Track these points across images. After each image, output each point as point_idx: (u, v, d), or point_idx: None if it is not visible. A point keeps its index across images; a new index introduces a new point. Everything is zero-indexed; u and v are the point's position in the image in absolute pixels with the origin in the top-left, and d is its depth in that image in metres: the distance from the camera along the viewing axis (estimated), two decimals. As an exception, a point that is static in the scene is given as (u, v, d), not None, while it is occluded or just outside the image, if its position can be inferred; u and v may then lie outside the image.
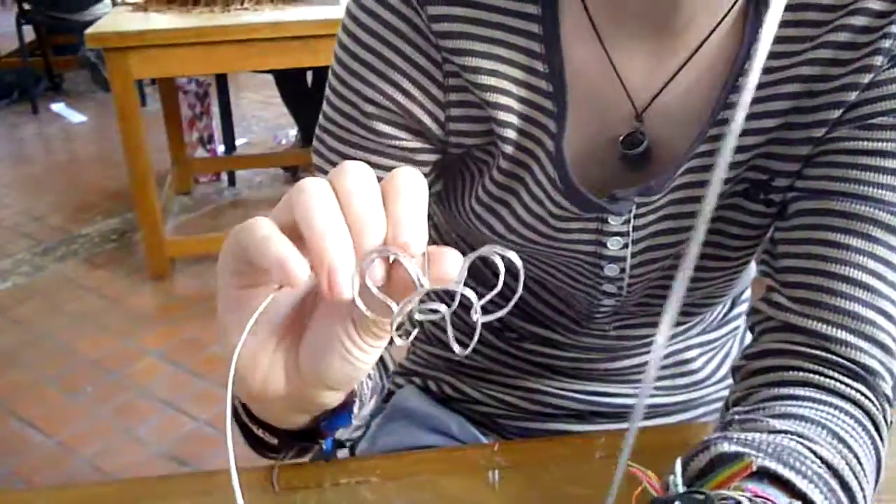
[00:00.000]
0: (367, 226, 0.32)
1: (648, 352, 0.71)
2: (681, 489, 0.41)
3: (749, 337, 0.80)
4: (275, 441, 0.48)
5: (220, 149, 3.30)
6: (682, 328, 0.71)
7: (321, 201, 0.32)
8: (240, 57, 2.26)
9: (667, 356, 0.73)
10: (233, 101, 3.24)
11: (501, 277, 0.33)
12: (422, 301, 0.33)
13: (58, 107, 4.15)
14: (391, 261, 0.33)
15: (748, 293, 0.80)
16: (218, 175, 3.21)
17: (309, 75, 3.15)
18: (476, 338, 0.35)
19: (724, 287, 0.64)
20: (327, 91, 0.58)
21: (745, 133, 0.54)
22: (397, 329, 0.34)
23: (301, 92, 3.15)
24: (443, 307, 0.33)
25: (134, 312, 2.34)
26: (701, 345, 0.74)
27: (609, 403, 0.72)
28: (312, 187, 0.33)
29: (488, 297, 0.33)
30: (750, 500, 0.40)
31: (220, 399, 1.93)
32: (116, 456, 1.78)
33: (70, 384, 2.02)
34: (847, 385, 0.50)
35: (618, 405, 0.72)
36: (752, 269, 0.73)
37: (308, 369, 0.38)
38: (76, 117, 4.04)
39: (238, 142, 3.42)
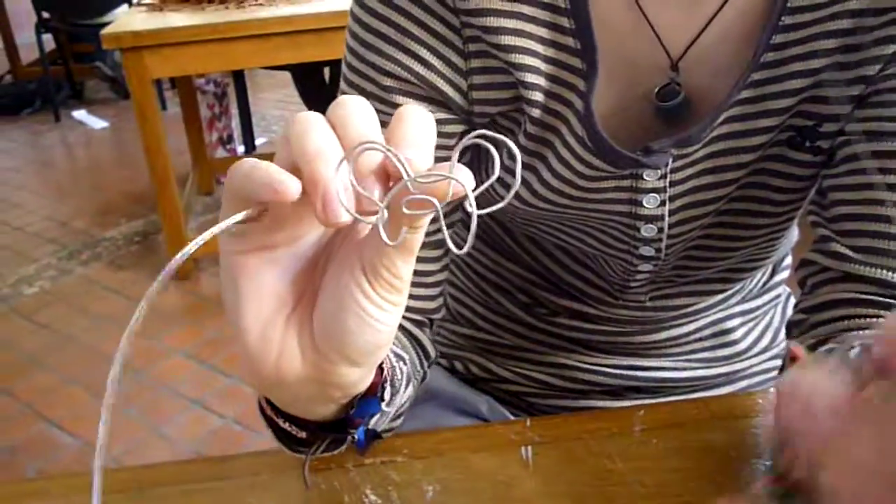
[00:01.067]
0: (358, 140, 0.31)
1: (686, 323, 0.67)
2: None
3: (793, 304, 0.76)
4: (303, 434, 0.44)
5: (241, 149, 3.30)
6: (721, 296, 0.67)
7: (312, 127, 0.31)
8: (254, 52, 2.24)
9: (707, 326, 0.68)
10: (251, 102, 3.24)
11: (497, 163, 0.31)
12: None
13: (79, 114, 4.18)
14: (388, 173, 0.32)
15: (789, 260, 0.75)
16: (239, 175, 3.20)
17: (326, 72, 3.14)
18: (472, 233, 0.32)
19: (767, 247, 0.60)
20: (343, 68, 0.55)
21: (790, 76, 0.50)
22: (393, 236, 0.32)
23: (318, 88, 3.13)
24: (434, 200, 0.31)
25: (159, 312, 2.33)
26: (742, 313, 0.70)
27: (645, 377, 0.68)
28: (304, 116, 0.31)
29: (484, 185, 0.31)
30: None
31: (246, 396, 1.92)
32: (144, 454, 1.76)
33: (96, 385, 2.02)
34: None
35: (655, 379, 0.68)
36: (795, 232, 0.69)
37: (324, 339, 0.35)
38: (98, 124, 4.06)
39: (258, 141, 3.41)
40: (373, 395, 0.42)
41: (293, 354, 0.35)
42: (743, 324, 0.70)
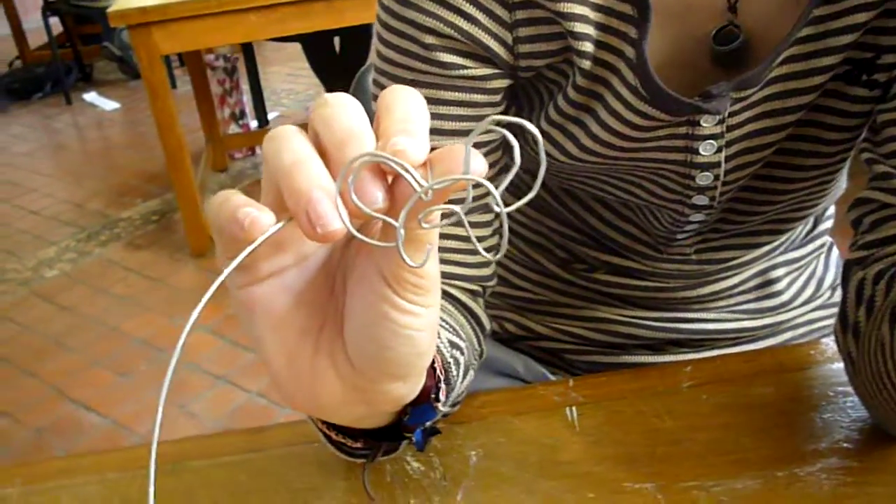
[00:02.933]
0: (346, 145, 0.27)
1: (732, 276, 0.64)
2: None
3: (836, 254, 0.73)
4: (358, 444, 0.42)
5: (253, 123, 3.27)
6: (768, 247, 0.64)
7: (285, 141, 0.27)
8: (263, 24, 2.21)
9: (752, 277, 0.66)
10: (262, 76, 3.20)
11: (516, 150, 0.26)
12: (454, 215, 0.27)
13: (90, 96, 4.16)
14: (389, 181, 0.27)
15: (832, 209, 0.72)
16: (253, 150, 3.18)
17: (336, 42, 3.09)
18: (505, 235, 0.28)
19: (817, 192, 0.57)
20: (378, 29, 0.52)
21: (853, 9, 0.47)
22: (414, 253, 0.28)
23: (329, 59, 3.09)
24: (455, 207, 0.27)
25: (179, 290, 2.32)
26: (787, 263, 0.67)
27: (688, 330, 0.66)
28: (275, 133, 0.28)
29: (507, 180, 0.26)
30: None
31: (270, 370, 1.91)
32: (172, 431, 1.77)
33: (121, 365, 2.02)
34: None
35: (698, 331, 0.66)
36: (844, 180, 0.65)
37: (360, 359, 0.32)
38: (109, 105, 4.04)
39: (270, 115, 3.38)
40: (426, 400, 0.40)
41: (330, 380, 0.33)
42: (787, 274, 0.67)
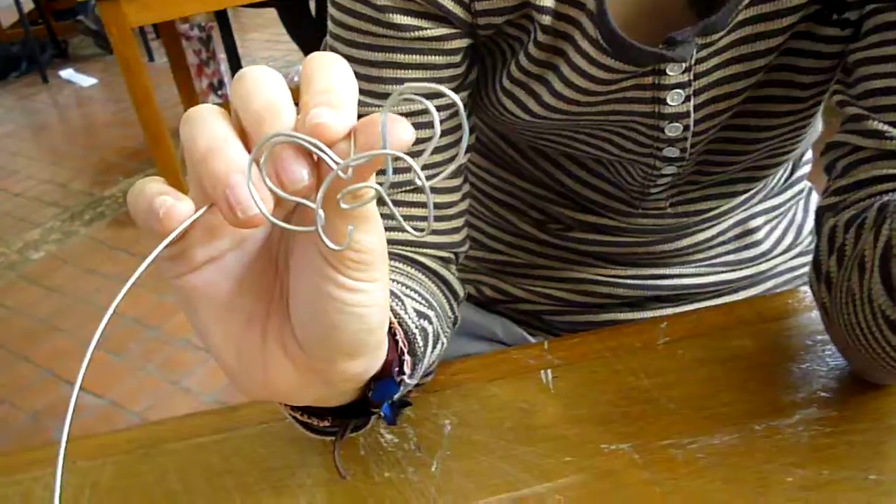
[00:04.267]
0: (264, 121, 0.25)
1: (709, 227, 0.63)
2: None
3: (815, 199, 0.72)
4: (326, 423, 0.40)
5: (233, 93, 3.23)
6: (745, 196, 0.63)
7: (200, 123, 0.26)
8: (235, -11, 2.16)
9: (730, 228, 0.64)
10: (239, 44, 3.14)
11: (436, 120, 0.24)
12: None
13: (67, 73, 4.09)
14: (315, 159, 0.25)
15: (809, 154, 0.71)
16: (234, 120, 3.14)
17: (311, 4, 3.03)
18: (431, 209, 0.27)
19: (792, 138, 0.56)
20: None
21: None
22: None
23: (305, 22, 3.04)
24: (373, 185, 0.25)
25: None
26: (765, 211, 0.66)
27: (667, 286, 0.65)
28: (191, 114, 0.26)
29: (426, 153, 0.25)
30: None
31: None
32: (167, 408, 1.77)
33: (114, 344, 2.01)
34: None
35: (677, 287, 0.65)
36: (819, 124, 0.64)
37: (309, 342, 0.31)
38: (86, 81, 3.98)
39: (250, 84, 3.33)
40: (388, 375, 0.39)
41: (283, 365, 0.32)
42: (766, 222, 0.66)
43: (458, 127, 0.52)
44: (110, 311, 0.25)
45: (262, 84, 0.26)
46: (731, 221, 0.64)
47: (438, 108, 0.51)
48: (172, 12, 2.40)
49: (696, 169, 0.58)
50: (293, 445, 0.50)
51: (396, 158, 0.23)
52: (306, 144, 0.24)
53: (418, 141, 0.24)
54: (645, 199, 0.60)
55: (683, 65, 0.48)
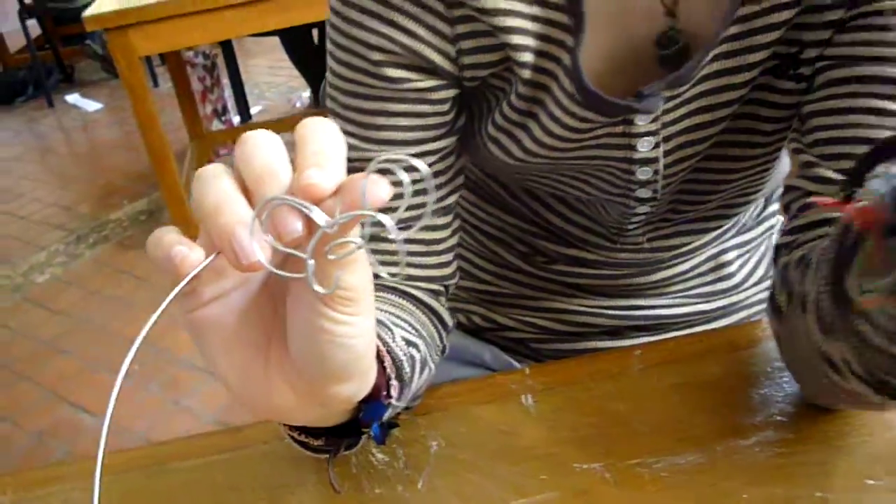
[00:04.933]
0: (263, 181, 0.30)
1: (684, 261, 0.68)
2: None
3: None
4: (320, 442, 0.45)
5: (236, 119, 3.28)
6: (718, 232, 0.67)
7: (209, 182, 0.31)
8: (241, 20, 2.21)
9: (704, 262, 0.69)
10: (242, 70, 3.22)
11: (406, 184, 0.29)
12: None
13: (73, 97, 4.16)
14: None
15: (780, 191, 0.75)
16: (237, 145, 3.19)
17: (314, 33, 3.10)
18: (403, 260, 0.32)
19: (759, 178, 0.60)
20: (329, 47, 0.55)
21: (775, 8, 0.49)
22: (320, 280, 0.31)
23: (308, 50, 3.10)
24: (357, 239, 0.30)
25: (169, 288, 2.35)
26: (737, 246, 0.70)
27: (645, 316, 0.69)
28: (201, 173, 0.31)
29: (400, 211, 0.29)
30: None
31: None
32: (169, 429, 1.80)
33: (116, 365, 2.01)
34: None
35: (654, 317, 0.69)
36: (786, 162, 0.68)
37: (304, 369, 0.35)
38: (92, 106, 4.05)
39: (253, 110, 3.40)
40: (377, 398, 0.43)
41: (283, 389, 0.36)
42: (738, 256, 0.70)
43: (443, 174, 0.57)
44: (136, 345, 0.30)
45: (261, 148, 0.31)
46: (704, 256, 0.69)
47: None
48: (179, 42, 2.46)
49: (670, 208, 0.62)
50: (291, 465, 0.54)
51: (375, 221, 0.28)
52: (298, 206, 0.29)
53: (395, 196, 0.30)
54: (623, 235, 0.64)
55: (651, 115, 0.53)
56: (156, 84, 4.09)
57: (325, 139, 0.30)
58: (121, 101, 3.94)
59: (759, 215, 0.72)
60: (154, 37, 2.16)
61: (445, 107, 0.55)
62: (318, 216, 0.29)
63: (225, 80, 3.19)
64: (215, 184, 0.31)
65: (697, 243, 0.67)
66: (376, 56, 0.52)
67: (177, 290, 0.30)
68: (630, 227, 0.63)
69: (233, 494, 0.52)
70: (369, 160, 0.53)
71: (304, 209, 0.29)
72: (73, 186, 3.18)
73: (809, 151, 0.51)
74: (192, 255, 0.30)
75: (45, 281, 2.51)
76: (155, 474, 0.55)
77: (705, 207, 0.63)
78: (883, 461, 0.48)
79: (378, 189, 0.29)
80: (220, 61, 3.13)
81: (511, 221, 0.69)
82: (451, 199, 0.58)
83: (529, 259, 0.70)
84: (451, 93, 0.54)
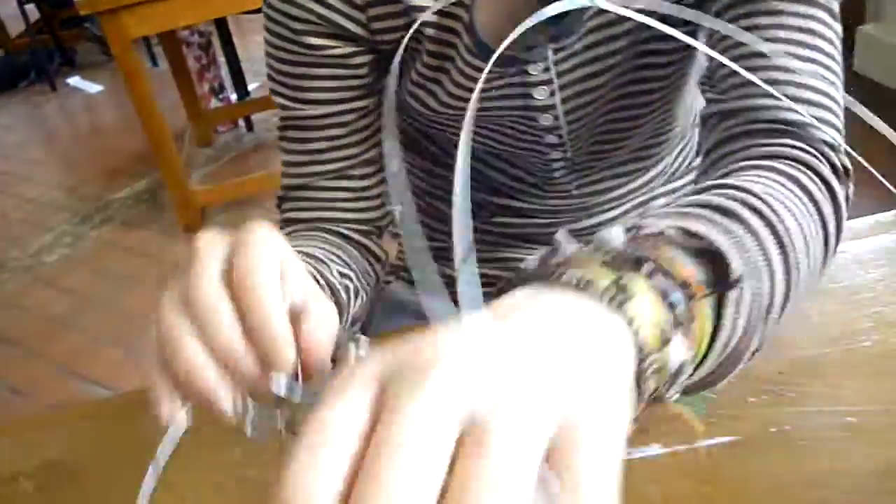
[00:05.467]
0: (254, 310, 0.35)
1: (613, 208, 0.73)
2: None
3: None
4: None
5: (234, 96, 3.32)
6: (645, 178, 0.72)
7: (180, 348, 0.35)
8: (231, -1, 2.25)
9: (633, 209, 0.74)
10: (239, 46, 3.24)
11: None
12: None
13: (74, 80, 4.21)
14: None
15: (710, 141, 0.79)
16: (235, 122, 3.24)
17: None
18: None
19: (667, 117, 0.66)
20: (263, 20, 0.62)
21: None
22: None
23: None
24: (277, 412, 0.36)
25: (174, 265, 2.41)
26: (666, 194, 0.75)
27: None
28: (166, 329, 0.36)
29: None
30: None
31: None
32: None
33: (126, 341, 2.12)
34: (769, 145, 0.48)
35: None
36: (700, 101, 0.72)
37: None
38: (93, 88, 4.10)
39: (251, 86, 3.42)
40: None
41: None
42: (667, 204, 0.75)
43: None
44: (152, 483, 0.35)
45: (259, 267, 0.36)
46: (634, 202, 0.74)
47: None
48: (171, 23, 2.50)
49: (588, 152, 0.67)
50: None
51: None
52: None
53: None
54: (551, 183, 0.70)
55: (543, 64, 0.58)
56: (155, 64, 4.12)
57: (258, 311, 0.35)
58: (121, 82, 3.94)
59: (689, 165, 0.77)
60: (147, 18, 2.20)
61: (363, 70, 0.61)
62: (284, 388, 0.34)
63: (221, 58, 3.22)
64: (185, 350, 0.35)
65: (625, 189, 0.72)
66: (297, 25, 0.58)
67: (166, 457, 0.37)
68: (556, 174, 0.68)
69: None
70: (300, 117, 0.59)
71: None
72: (76, 168, 3.25)
73: (713, 91, 0.55)
74: (176, 420, 0.36)
75: (53, 261, 2.58)
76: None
77: (623, 151, 0.68)
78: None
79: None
80: (216, 39, 3.16)
81: (445, 175, 0.75)
82: (374, 153, 0.65)
83: (476, 214, 0.75)
84: (367, 58, 0.61)
